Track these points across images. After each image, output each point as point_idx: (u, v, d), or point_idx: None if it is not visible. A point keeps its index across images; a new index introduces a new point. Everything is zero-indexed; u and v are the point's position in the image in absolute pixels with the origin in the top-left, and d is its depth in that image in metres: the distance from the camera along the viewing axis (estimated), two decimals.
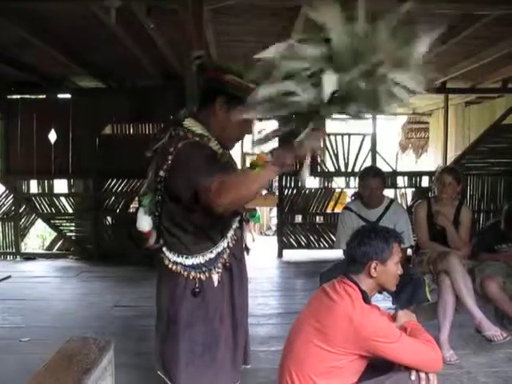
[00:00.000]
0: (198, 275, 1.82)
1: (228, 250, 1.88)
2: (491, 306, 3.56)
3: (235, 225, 1.92)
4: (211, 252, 1.84)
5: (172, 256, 1.85)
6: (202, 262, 1.83)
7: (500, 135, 6.86)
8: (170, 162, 1.74)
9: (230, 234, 1.89)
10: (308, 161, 1.56)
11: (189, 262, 1.83)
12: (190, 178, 1.66)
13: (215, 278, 1.85)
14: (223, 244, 1.87)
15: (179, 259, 1.83)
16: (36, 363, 1.91)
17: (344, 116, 1.38)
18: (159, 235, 1.90)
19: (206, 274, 1.83)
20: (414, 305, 3.06)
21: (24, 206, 6.72)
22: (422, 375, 1.85)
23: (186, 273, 1.82)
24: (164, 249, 1.88)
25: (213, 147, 1.84)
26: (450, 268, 3.19)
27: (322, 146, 1.37)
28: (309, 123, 1.39)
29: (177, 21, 3.53)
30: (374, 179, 3.43)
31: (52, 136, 6.58)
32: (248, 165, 1.57)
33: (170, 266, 1.85)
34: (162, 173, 1.77)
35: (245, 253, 2.03)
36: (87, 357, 1.85)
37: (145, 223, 1.89)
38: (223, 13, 3.90)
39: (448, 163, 6.98)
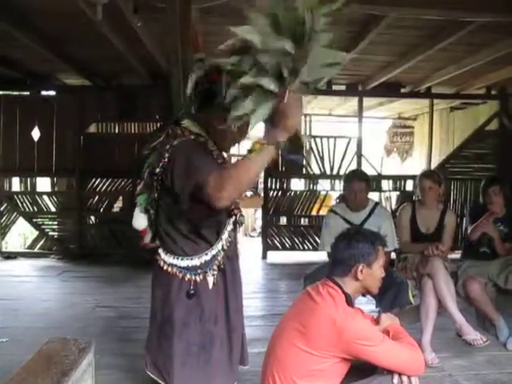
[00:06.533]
0: (194, 277, 1.81)
1: (223, 253, 1.87)
2: (473, 308, 3.60)
3: (230, 227, 1.91)
4: (206, 254, 1.83)
5: (167, 258, 1.83)
6: (198, 264, 1.82)
7: (483, 141, 6.97)
8: (165, 159, 1.75)
9: (225, 236, 1.88)
10: (300, 131, 1.56)
11: (184, 263, 1.82)
12: (189, 175, 1.66)
13: (210, 280, 1.84)
14: (218, 246, 1.86)
15: (174, 261, 1.82)
16: (15, 364, 1.88)
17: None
18: (155, 234, 1.90)
19: (201, 277, 1.82)
20: (397, 308, 3.07)
21: (5, 204, 6.61)
22: (404, 378, 1.85)
23: (181, 275, 1.81)
24: (160, 250, 1.87)
25: (210, 148, 1.86)
26: (433, 271, 3.21)
27: (303, 112, 1.45)
28: (276, 93, 1.41)
29: (164, 19, 3.50)
30: (358, 182, 3.44)
31: (35, 133, 6.48)
32: (244, 153, 1.57)
33: (164, 267, 1.83)
34: (157, 170, 1.78)
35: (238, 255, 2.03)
36: (67, 358, 1.83)
37: (141, 221, 1.89)
38: (210, 13, 3.89)
39: (432, 167, 7.06)
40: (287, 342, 1.91)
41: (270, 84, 1.39)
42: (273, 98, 1.42)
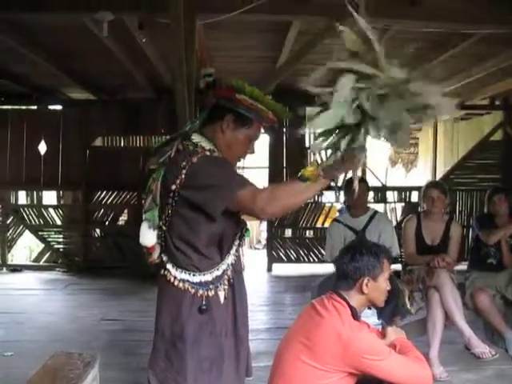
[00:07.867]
0: (206, 292, 1.80)
1: (231, 267, 1.87)
2: (481, 321, 3.57)
3: (237, 241, 1.92)
4: (218, 269, 1.83)
5: (178, 273, 1.81)
6: (210, 279, 1.81)
7: (488, 151, 6.97)
8: (183, 175, 1.73)
9: (233, 250, 1.89)
10: (357, 174, 1.72)
11: (197, 279, 1.80)
12: (223, 188, 1.68)
13: (221, 294, 1.83)
14: (228, 261, 1.86)
15: (186, 276, 1.80)
16: (19, 378, 1.88)
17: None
18: (162, 250, 1.88)
19: (213, 292, 1.82)
20: (397, 317, 3.06)
21: (12, 217, 6.65)
22: None
23: (193, 290, 1.79)
24: (168, 266, 1.84)
25: None
26: (440, 283, 3.19)
27: (365, 162, 1.73)
28: (355, 143, 1.51)
29: (169, 35, 3.54)
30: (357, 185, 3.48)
31: (42, 147, 6.54)
32: (299, 175, 1.67)
33: (175, 283, 1.81)
34: (173, 187, 1.75)
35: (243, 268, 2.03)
36: (72, 372, 1.83)
37: (149, 238, 1.86)
38: (214, 28, 3.93)
39: (437, 178, 7.04)
40: (293, 356, 1.90)
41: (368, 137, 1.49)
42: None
